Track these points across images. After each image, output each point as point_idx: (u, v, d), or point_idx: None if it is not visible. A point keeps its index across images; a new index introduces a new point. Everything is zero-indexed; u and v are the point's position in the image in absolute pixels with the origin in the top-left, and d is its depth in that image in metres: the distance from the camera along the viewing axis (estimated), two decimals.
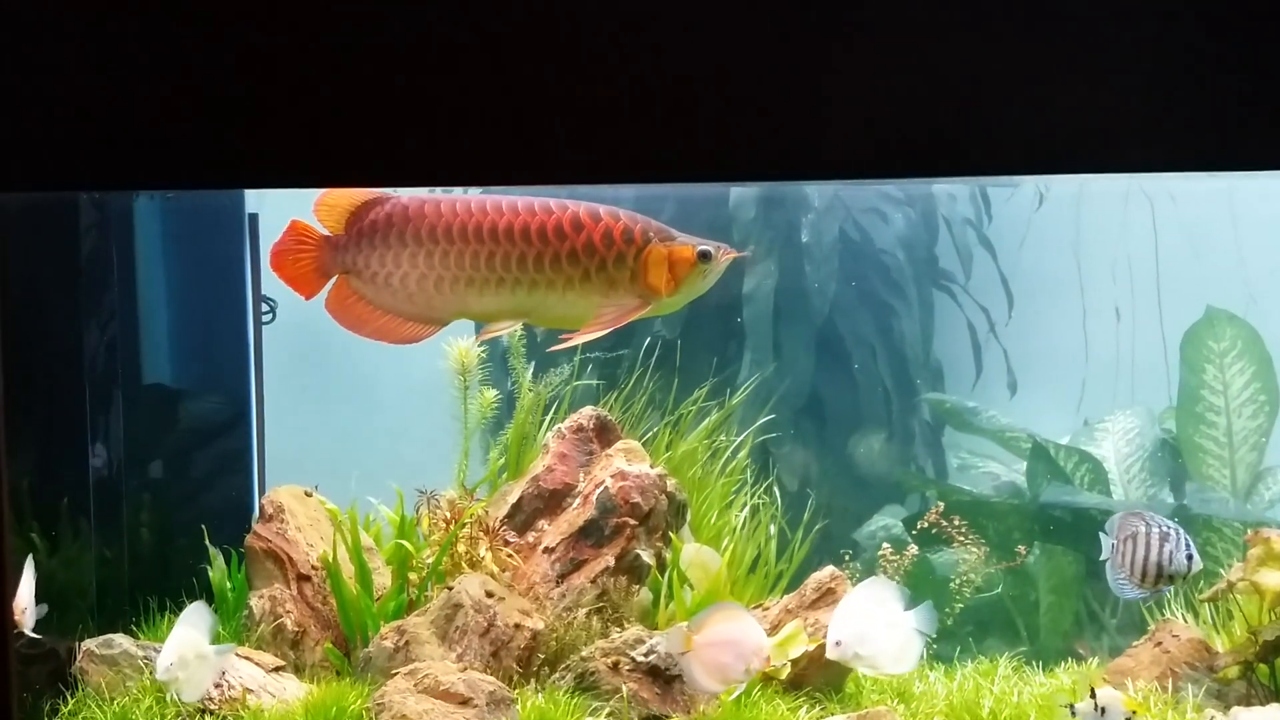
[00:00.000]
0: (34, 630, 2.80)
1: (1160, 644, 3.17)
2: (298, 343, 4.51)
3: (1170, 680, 3.09)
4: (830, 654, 2.81)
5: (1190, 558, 2.95)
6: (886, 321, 4.49)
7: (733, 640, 2.70)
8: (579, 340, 2.74)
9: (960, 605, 3.47)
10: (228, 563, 3.32)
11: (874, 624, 2.79)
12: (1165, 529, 2.97)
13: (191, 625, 2.88)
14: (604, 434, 3.31)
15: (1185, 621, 3.30)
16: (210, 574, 3.34)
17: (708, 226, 3.74)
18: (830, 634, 2.82)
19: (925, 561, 3.64)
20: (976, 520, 4.05)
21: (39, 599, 2.81)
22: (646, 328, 4.00)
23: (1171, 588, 3.07)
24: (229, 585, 3.30)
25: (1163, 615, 3.39)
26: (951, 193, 4.58)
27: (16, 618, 2.64)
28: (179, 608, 3.34)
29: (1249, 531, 3.15)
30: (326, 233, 2.76)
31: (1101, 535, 3.08)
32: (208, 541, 3.34)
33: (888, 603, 2.80)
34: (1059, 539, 4.07)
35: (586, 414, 3.31)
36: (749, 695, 2.92)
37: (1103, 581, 4.02)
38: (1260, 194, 4.17)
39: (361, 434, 4.41)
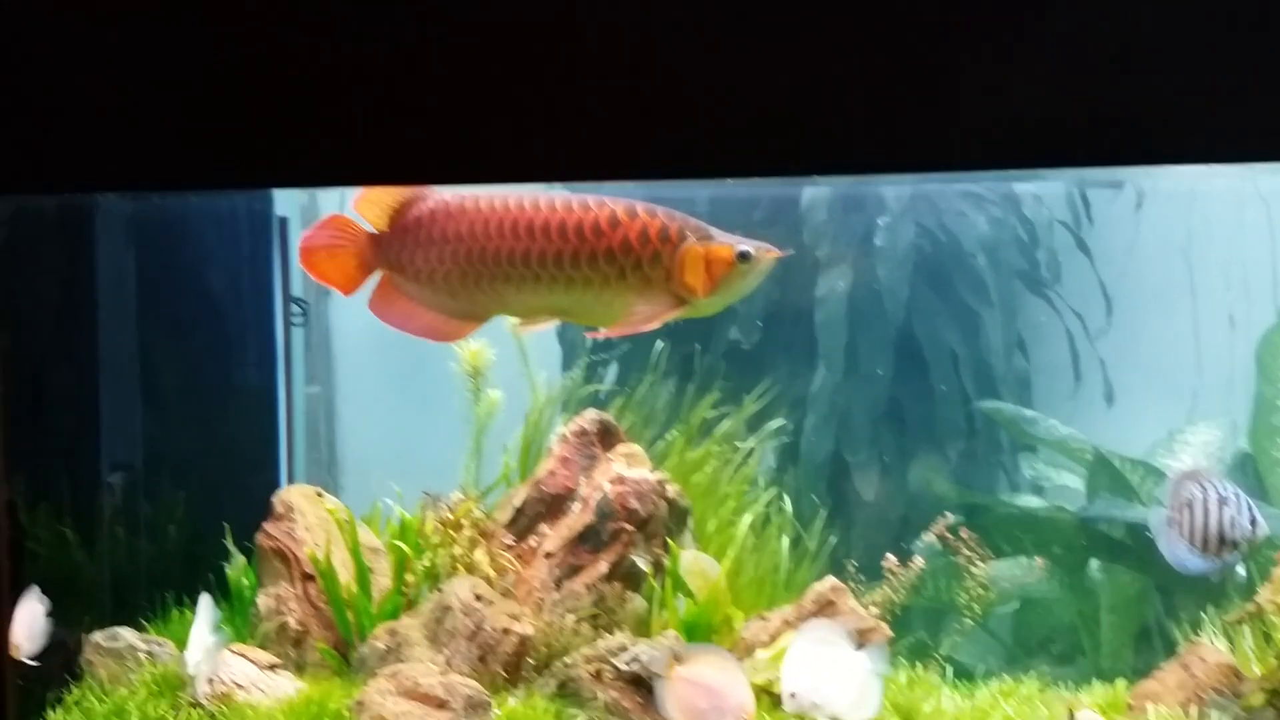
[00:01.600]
0: (50, 620, 2.91)
1: (1188, 667, 2.99)
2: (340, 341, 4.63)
3: (1196, 706, 2.91)
4: (786, 707, 2.63)
5: (1254, 522, 2.74)
6: (969, 328, 4.36)
7: (714, 690, 2.55)
8: (610, 335, 2.72)
9: (970, 621, 3.32)
10: (249, 561, 3.39)
11: (827, 670, 2.60)
12: (1223, 492, 2.76)
13: (202, 619, 2.95)
14: (607, 437, 3.27)
15: (1218, 646, 3.10)
16: (228, 571, 3.42)
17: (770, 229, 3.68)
18: (784, 687, 2.64)
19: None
20: (1015, 534, 3.91)
21: (50, 596, 2.92)
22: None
23: (1239, 557, 2.84)
24: (245, 583, 3.37)
25: (1195, 637, 3.20)
26: (1037, 194, 4.43)
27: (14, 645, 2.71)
28: (196, 604, 3.45)
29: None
30: (369, 228, 2.77)
31: (1153, 508, 2.88)
32: (229, 539, 3.42)
33: (837, 646, 2.62)
34: (1111, 554, 3.90)
35: (589, 417, 3.28)
36: None
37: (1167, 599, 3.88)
38: None
39: (400, 434, 4.48)
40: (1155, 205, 4.39)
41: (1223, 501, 2.72)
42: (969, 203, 4.40)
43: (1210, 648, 3.03)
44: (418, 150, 1.99)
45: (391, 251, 2.73)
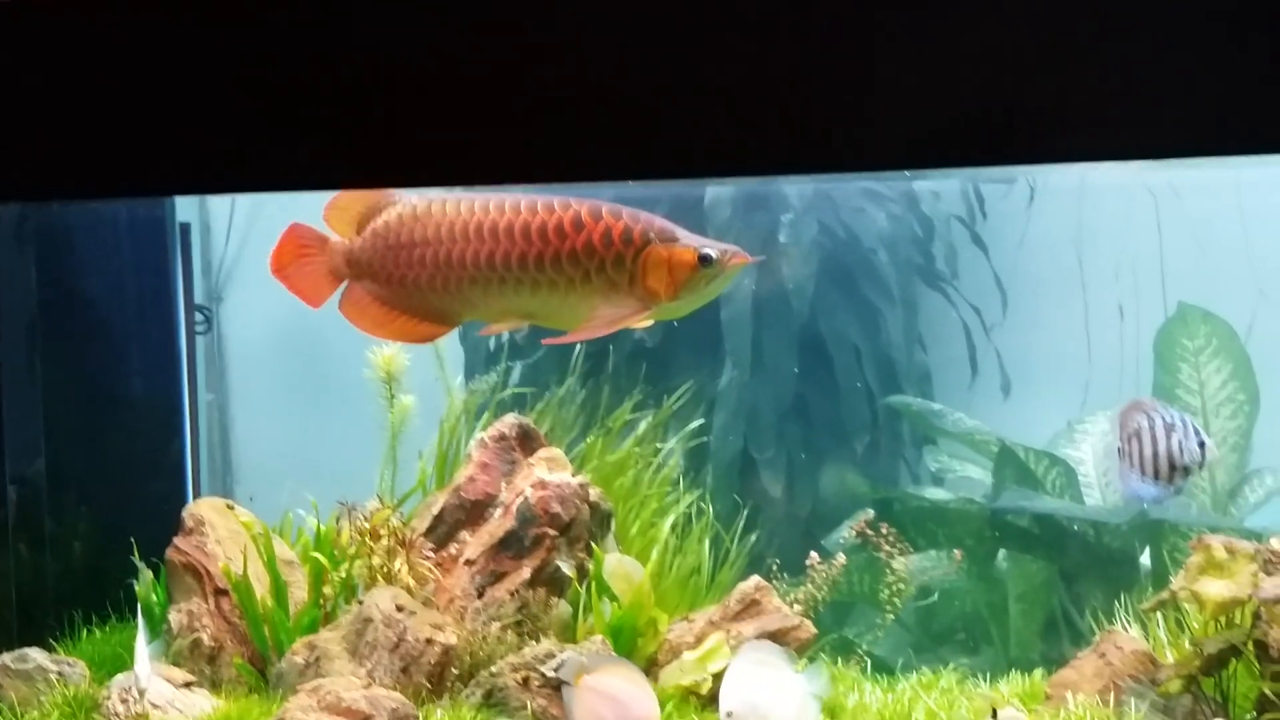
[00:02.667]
0: None
1: (1104, 656, 3.05)
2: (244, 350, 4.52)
3: (1113, 694, 2.97)
4: None
5: (1203, 445, 2.77)
6: (871, 323, 4.39)
7: (620, 701, 2.56)
8: (571, 340, 2.71)
9: (891, 615, 3.36)
10: (157, 576, 3.29)
11: (765, 690, 2.60)
12: (1170, 419, 2.78)
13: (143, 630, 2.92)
14: (526, 442, 3.24)
15: (1132, 633, 3.17)
16: (137, 588, 3.32)
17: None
18: (721, 706, 2.63)
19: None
20: (927, 527, 3.96)
21: None
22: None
23: (1187, 481, 2.86)
24: (154, 599, 3.26)
25: (1110, 625, 3.26)
26: (935, 190, 4.48)
27: None
28: (104, 621, 3.34)
29: (1194, 538, 3.01)
30: (335, 237, 2.75)
31: (1104, 442, 2.89)
32: (136, 555, 3.31)
33: (775, 666, 2.63)
34: (1020, 545, 3.97)
35: (509, 422, 3.24)
36: (665, 712, 2.83)
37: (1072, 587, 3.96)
38: (1270, 184, 4.05)
39: (308, 442, 4.40)
40: (1047, 200, 4.48)
41: (1170, 428, 2.74)
42: (869, 200, 4.45)
43: (1126, 635, 3.09)
44: (364, 153, 1.96)
45: (362, 258, 2.72)
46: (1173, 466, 2.70)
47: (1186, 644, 2.95)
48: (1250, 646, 2.85)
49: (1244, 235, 4.20)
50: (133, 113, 1.99)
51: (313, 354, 4.51)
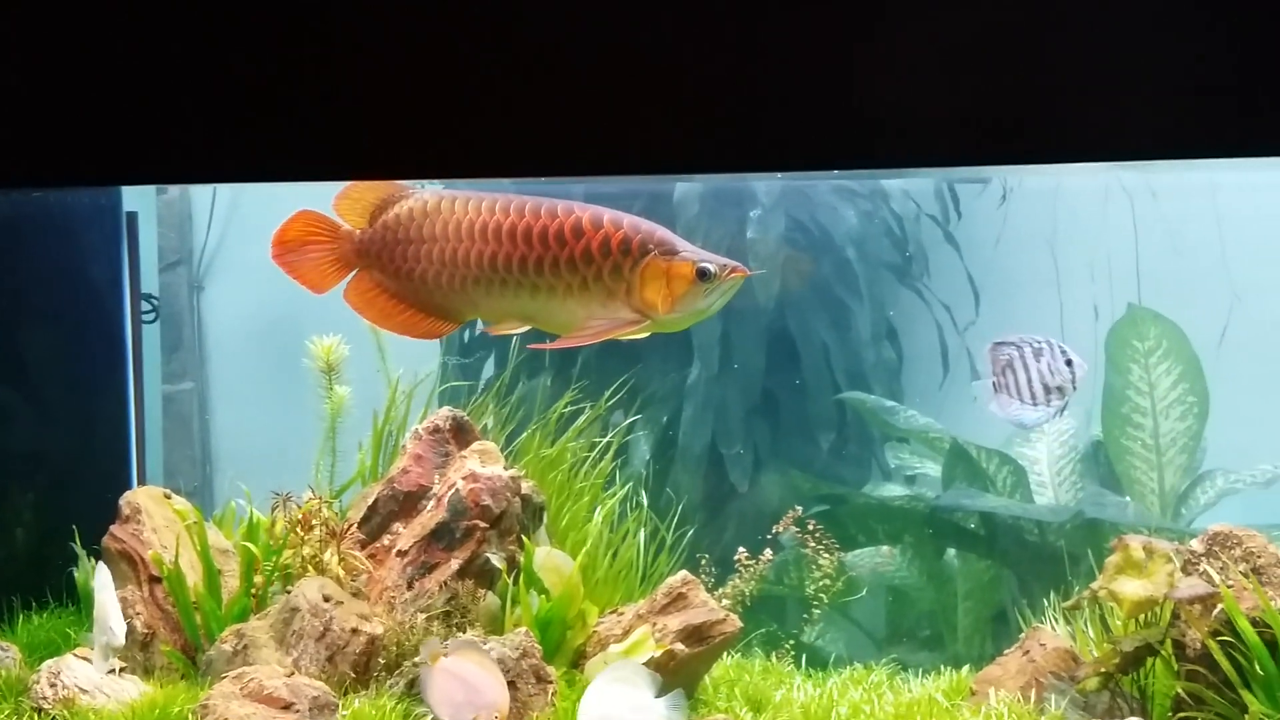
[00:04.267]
0: None
1: (1028, 653, 3.07)
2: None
3: (1035, 690, 2.99)
4: None
5: (1070, 362, 2.79)
6: (840, 320, 4.40)
7: (471, 684, 2.60)
8: (560, 346, 2.70)
9: (818, 610, 3.38)
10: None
11: (624, 710, 2.60)
12: (1037, 344, 2.81)
13: (108, 588, 2.93)
14: (461, 435, 3.26)
15: (1058, 631, 3.19)
16: (77, 575, 3.36)
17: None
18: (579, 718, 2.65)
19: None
20: (872, 524, 3.99)
21: None
22: None
23: (1066, 401, 2.87)
24: (94, 586, 3.29)
25: (1037, 623, 3.28)
26: (906, 189, 4.49)
27: None
28: (44, 608, 3.37)
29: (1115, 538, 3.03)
30: (345, 225, 2.77)
31: (974, 383, 2.93)
32: (77, 542, 3.35)
33: (637, 687, 2.61)
34: (963, 542, 3.99)
35: (443, 415, 3.26)
36: None
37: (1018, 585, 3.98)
38: (1242, 188, 4.05)
39: (275, 431, 4.43)
40: (1021, 200, 4.48)
41: (1038, 352, 2.76)
42: (840, 197, 4.46)
43: (1049, 633, 3.12)
44: (336, 145, 1.98)
45: (372, 249, 2.74)
46: (1046, 389, 2.72)
47: (1106, 643, 2.97)
48: (1168, 645, 2.88)
49: (1219, 238, 4.20)
50: (101, 100, 2.00)
51: (293, 344, 4.54)
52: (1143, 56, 1.93)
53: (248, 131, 2.00)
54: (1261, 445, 3.95)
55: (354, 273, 2.79)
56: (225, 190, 4.64)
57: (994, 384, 2.81)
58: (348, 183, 2.75)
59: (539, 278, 2.63)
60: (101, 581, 2.93)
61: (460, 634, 2.96)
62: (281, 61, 1.98)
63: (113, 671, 2.91)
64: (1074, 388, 2.76)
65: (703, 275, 2.60)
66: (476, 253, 2.66)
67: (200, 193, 4.68)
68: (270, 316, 4.67)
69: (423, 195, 2.73)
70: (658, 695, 2.60)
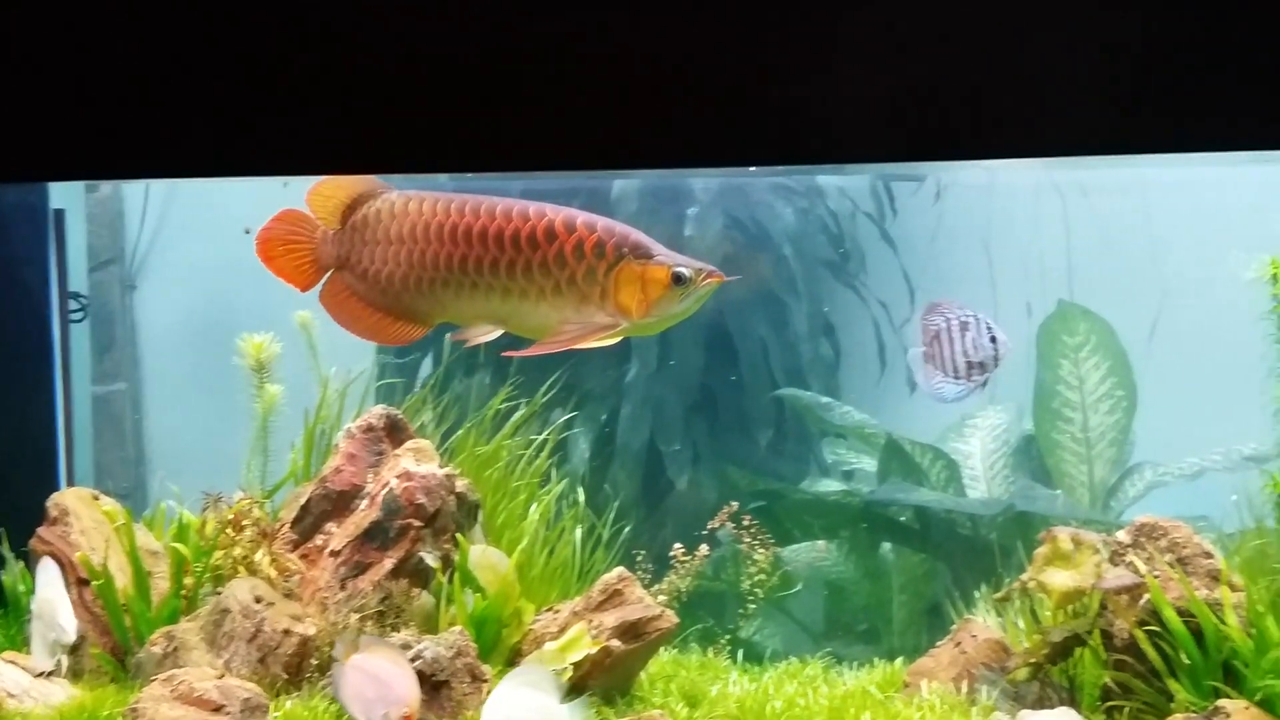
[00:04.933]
0: None
1: (959, 644, 3.11)
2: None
3: (966, 681, 3.03)
4: None
5: (995, 339, 2.79)
6: (779, 317, 4.42)
7: (382, 680, 2.59)
8: (534, 353, 2.65)
9: (753, 605, 3.40)
10: (29, 565, 3.26)
11: (527, 714, 2.59)
12: (965, 318, 2.80)
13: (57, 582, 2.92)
14: (395, 433, 3.24)
15: (989, 622, 3.23)
16: (4, 578, 3.30)
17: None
18: None
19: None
20: (807, 519, 4.01)
21: None
22: None
23: (986, 380, 2.88)
24: (22, 589, 3.24)
25: (969, 615, 3.32)
26: (842, 187, 4.52)
27: None
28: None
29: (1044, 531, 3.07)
30: (321, 225, 2.72)
31: (909, 350, 2.91)
32: (5, 545, 3.29)
33: (543, 692, 2.61)
34: (897, 536, 4.03)
35: (377, 413, 3.24)
36: None
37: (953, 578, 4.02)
38: (1170, 185, 4.11)
39: (212, 431, 4.38)
40: (956, 197, 4.53)
41: (964, 326, 2.76)
42: (777, 195, 4.48)
43: (981, 624, 3.15)
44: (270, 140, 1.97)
45: (341, 249, 2.69)
46: (969, 364, 2.73)
47: (1035, 634, 3.01)
48: (1096, 635, 2.93)
49: (1148, 235, 4.26)
50: (27, 94, 1.97)
51: (226, 343, 4.49)
52: (1071, 55, 1.96)
53: (182, 126, 1.98)
54: (1188, 439, 4.01)
55: (329, 274, 2.74)
56: (158, 188, 4.58)
57: (924, 354, 2.80)
58: (285, 178, 2.73)
59: (510, 281, 2.59)
60: (49, 578, 2.89)
61: (395, 634, 2.94)
62: (220, 55, 1.96)
63: (55, 671, 2.86)
64: (996, 364, 2.76)
65: (678, 280, 2.57)
66: (446, 255, 2.62)
67: (133, 190, 4.62)
68: (204, 315, 4.62)
69: (390, 196, 2.68)
70: (563, 701, 2.61)
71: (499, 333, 2.70)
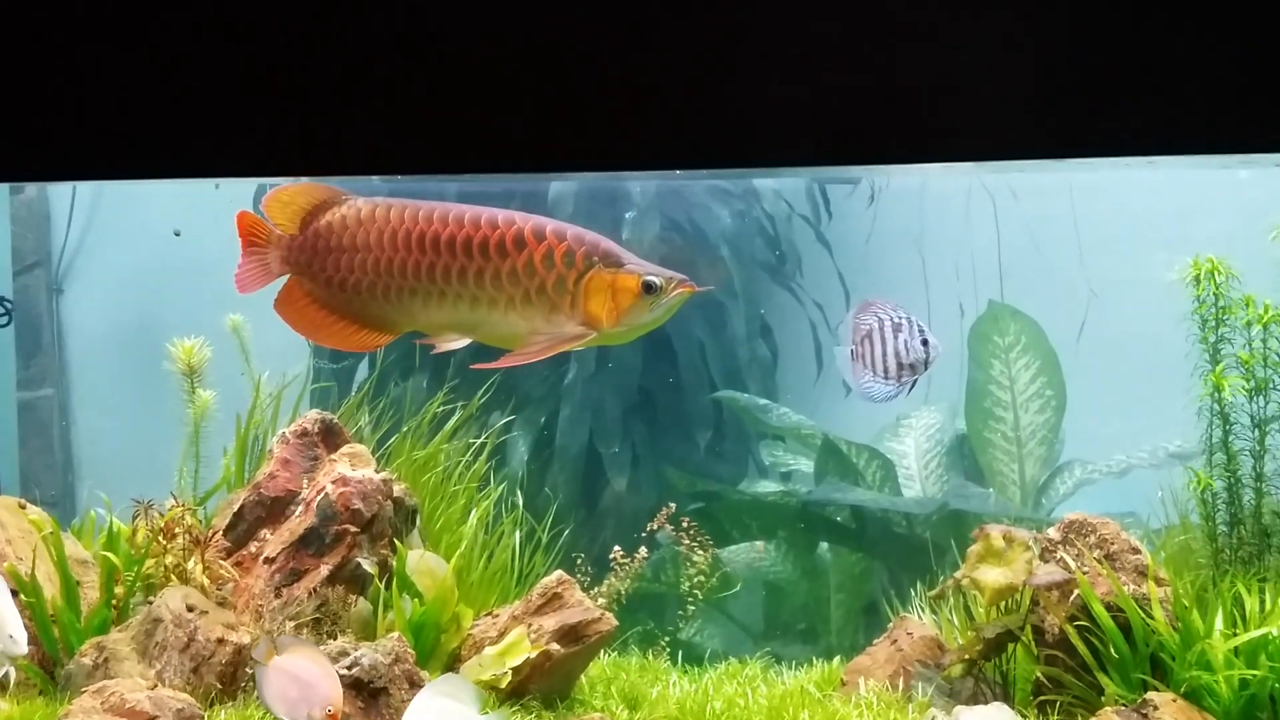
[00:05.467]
0: None
1: (895, 642, 3.14)
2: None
3: (903, 679, 3.06)
4: None
5: (926, 342, 2.81)
6: (717, 319, 4.43)
7: (304, 681, 2.59)
8: (507, 364, 2.61)
9: (693, 606, 3.41)
10: None
11: None
12: (898, 319, 2.81)
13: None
14: (330, 438, 3.21)
15: (924, 620, 3.27)
16: None
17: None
18: None
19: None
20: (745, 520, 4.04)
21: None
22: None
23: (915, 381, 2.89)
24: None
25: (904, 613, 3.36)
26: (778, 189, 4.54)
27: None
28: None
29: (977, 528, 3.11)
30: (275, 229, 2.66)
31: (835, 349, 2.93)
32: None
33: (462, 704, 2.60)
34: (834, 536, 4.06)
35: (311, 417, 3.21)
36: None
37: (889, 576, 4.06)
38: (1096, 188, 4.18)
39: (153, 437, 4.31)
40: (890, 200, 4.57)
41: (896, 327, 2.77)
42: (714, 197, 4.50)
43: (916, 622, 3.19)
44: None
45: (302, 256, 2.64)
46: (900, 365, 2.75)
47: (970, 630, 3.05)
48: (1028, 631, 2.97)
49: (1075, 236, 4.32)
50: None
51: (157, 347, 4.43)
52: (999, 62, 2.00)
53: (109, 128, 1.96)
54: (1116, 437, 4.09)
55: (284, 282, 2.69)
56: (85, 190, 4.51)
57: (852, 352, 2.82)
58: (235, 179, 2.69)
59: (479, 290, 2.57)
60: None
61: (331, 641, 2.91)
62: (145, 57, 1.94)
63: (3, 683, 2.80)
64: (926, 367, 2.78)
65: (649, 289, 2.56)
66: (414, 263, 2.58)
67: (59, 192, 4.54)
68: (133, 319, 4.54)
69: (355, 203, 2.64)
70: (482, 712, 2.60)
71: (467, 341, 2.67)
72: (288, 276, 2.68)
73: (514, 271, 2.56)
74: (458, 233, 2.58)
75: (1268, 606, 2.78)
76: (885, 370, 2.74)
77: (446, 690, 2.61)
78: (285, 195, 2.66)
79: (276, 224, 2.67)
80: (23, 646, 2.74)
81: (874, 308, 2.80)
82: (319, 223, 2.65)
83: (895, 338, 2.74)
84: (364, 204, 2.64)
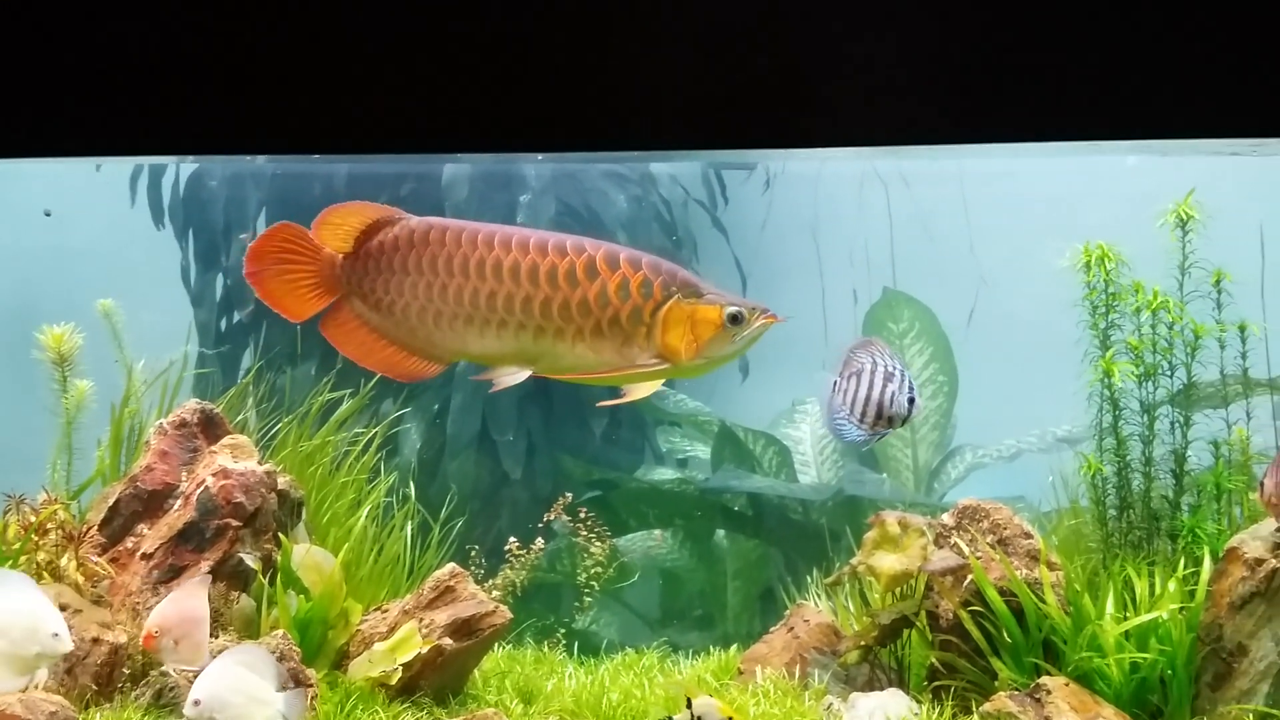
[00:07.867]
0: None
1: (792, 629, 3.14)
2: None
3: (799, 666, 3.06)
4: (187, 712, 2.51)
5: (912, 401, 2.81)
6: None
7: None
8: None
9: (589, 598, 3.37)
10: None
11: (239, 693, 2.50)
12: (890, 368, 2.80)
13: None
14: (210, 428, 3.10)
15: (821, 606, 3.27)
16: None
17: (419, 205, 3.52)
18: (192, 692, 2.51)
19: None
20: (643, 508, 4.01)
21: None
22: None
23: (890, 431, 2.88)
24: None
25: (801, 600, 3.36)
26: (674, 174, 4.50)
27: None
28: None
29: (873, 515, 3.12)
30: (327, 249, 2.53)
31: (825, 374, 2.91)
32: None
33: (259, 674, 2.52)
34: (732, 524, 4.05)
35: (190, 407, 3.09)
36: (348, 703, 2.76)
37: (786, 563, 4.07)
38: (987, 176, 4.20)
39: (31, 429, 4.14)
40: (785, 186, 4.56)
41: (889, 377, 2.76)
42: (610, 181, 4.44)
43: (813, 609, 3.19)
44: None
45: (354, 276, 2.49)
46: (879, 415, 2.74)
47: (865, 617, 3.06)
48: (923, 617, 2.99)
49: (966, 223, 4.36)
50: None
51: (27, 335, 4.24)
52: (894, 48, 1.99)
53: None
54: (1005, 421, 4.13)
55: (332, 302, 2.56)
56: None
57: (834, 383, 2.79)
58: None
59: (545, 320, 2.45)
60: (22, 583, 2.58)
61: (213, 639, 2.80)
62: (30, 34, 1.86)
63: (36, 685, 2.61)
64: (902, 424, 2.78)
65: (734, 320, 2.47)
66: (471, 290, 2.46)
67: None
68: (2, 305, 4.35)
69: (409, 223, 2.52)
70: (280, 689, 2.52)
71: (527, 374, 2.55)
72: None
73: (584, 301, 2.45)
74: (521, 259, 2.46)
75: (1157, 590, 2.82)
76: (863, 415, 2.71)
77: (246, 660, 2.51)
78: (336, 217, 2.54)
79: (328, 246, 2.55)
80: (67, 643, 2.54)
81: (873, 348, 2.78)
82: (371, 243, 2.52)
83: (884, 386, 2.72)
84: (418, 224, 2.52)
